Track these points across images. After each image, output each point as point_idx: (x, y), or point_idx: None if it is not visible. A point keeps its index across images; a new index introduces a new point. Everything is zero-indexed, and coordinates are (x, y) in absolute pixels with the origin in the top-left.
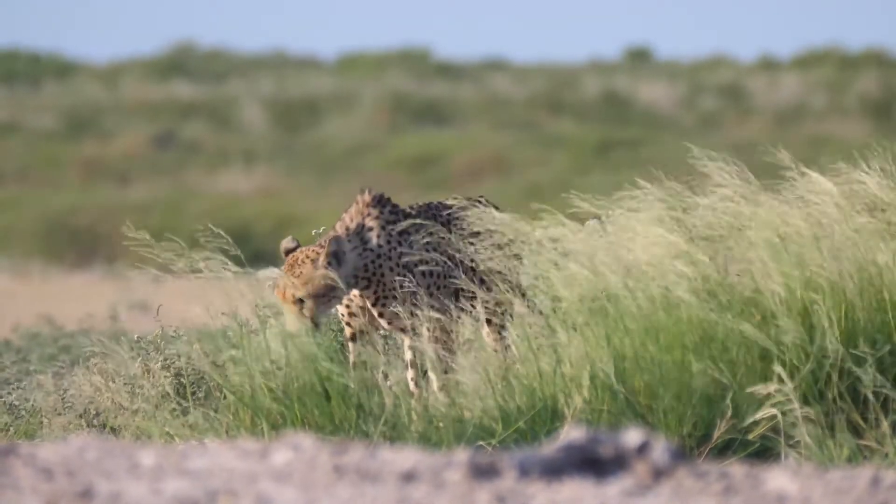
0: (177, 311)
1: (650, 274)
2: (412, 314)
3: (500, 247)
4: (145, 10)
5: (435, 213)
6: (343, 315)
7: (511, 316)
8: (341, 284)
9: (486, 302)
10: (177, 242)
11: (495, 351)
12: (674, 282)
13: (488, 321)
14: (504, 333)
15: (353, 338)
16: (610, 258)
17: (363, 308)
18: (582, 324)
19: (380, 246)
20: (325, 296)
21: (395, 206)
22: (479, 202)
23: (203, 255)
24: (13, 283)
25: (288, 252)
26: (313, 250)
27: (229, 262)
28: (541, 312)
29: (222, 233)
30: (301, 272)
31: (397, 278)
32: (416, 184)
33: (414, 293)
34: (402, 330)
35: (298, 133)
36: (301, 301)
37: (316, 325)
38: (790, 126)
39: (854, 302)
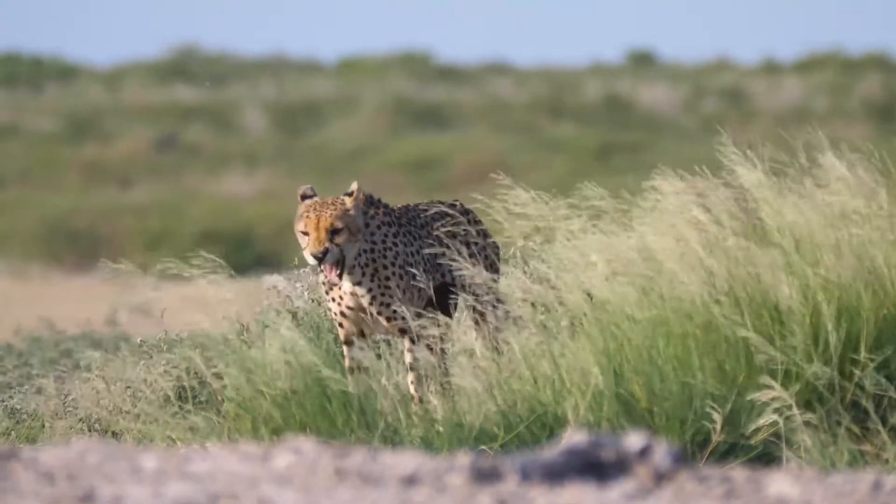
0: (179, 315)
1: (653, 276)
2: (404, 317)
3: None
4: (147, 13)
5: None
6: (335, 315)
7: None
8: (362, 232)
9: (476, 304)
10: (174, 252)
11: (494, 353)
12: (680, 285)
13: (477, 322)
14: (495, 334)
15: (348, 341)
16: (614, 261)
17: (353, 308)
18: (583, 328)
19: (374, 243)
20: (354, 235)
21: (386, 205)
22: (454, 206)
23: (201, 263)
24: (13, 285)
25: (305, 197)
26: (340, 199)
27: (231, 271)
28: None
29: (216, 258)
30: (337, 206)
31: (393, 277)
32: (417, 187)
33: (412, 292)
34: (402, 332)
35: (299, 136)
36: (335, 232)
37: (344, 260)
38: (792, 129)
39: (859, 306)
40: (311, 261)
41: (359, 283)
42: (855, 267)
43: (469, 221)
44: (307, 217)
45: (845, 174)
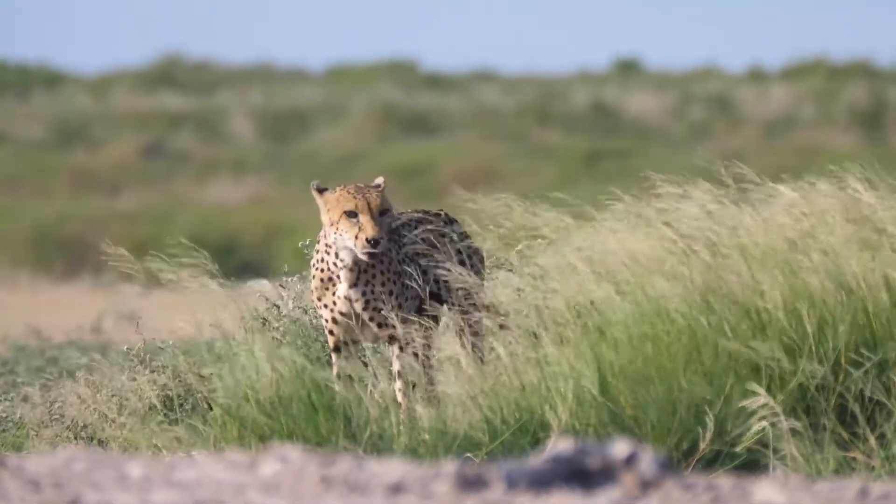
0: (165, 322)
1: (637, 284)
2: (395, 324)
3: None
4: (134, 21)
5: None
6: (327, 321)
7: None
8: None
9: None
10: (161, 257)
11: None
12: (662, 293)
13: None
14: (478, 343)
15: (337, 348)
16: (597, 268)
17: (346, 314)
18: (568, 335)
19: None
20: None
21: None
22: (439, 215)
23: (188, 268)
24: (2, 293)
25: (321, 190)
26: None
27: (216, 276)
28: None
29: (204, 253)
30: (375, 189)
31: (388, 283)
32: (405, 194)
33: (402, 298)
34: (392, 338)
35: (287, 144)
36: (382, 214)
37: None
38: (779, 136)
39: (839, 314)
40: (364, 248)
41: (354, 287)
42: (832, 274)
43: (454, 231)
44: (355, 199)
45: (825, 187)
